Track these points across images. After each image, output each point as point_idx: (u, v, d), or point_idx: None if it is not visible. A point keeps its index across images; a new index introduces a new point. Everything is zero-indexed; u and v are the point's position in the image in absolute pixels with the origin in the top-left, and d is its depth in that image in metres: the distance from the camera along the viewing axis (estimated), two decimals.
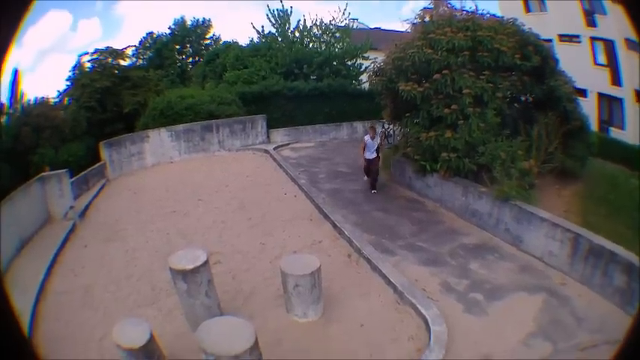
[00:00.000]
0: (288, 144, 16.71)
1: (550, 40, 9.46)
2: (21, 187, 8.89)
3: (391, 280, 6.39)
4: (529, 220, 7.14)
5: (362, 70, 19.85)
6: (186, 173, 13.38)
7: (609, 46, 18.34)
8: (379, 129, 15.54)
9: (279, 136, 17.06)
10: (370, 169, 10.65)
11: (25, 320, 5.81)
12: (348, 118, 18.27)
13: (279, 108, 17.44)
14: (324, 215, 9.08)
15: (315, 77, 19.23)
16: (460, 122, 8.51)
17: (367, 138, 10.44)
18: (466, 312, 5.80)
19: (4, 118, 17.52)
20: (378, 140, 10.54)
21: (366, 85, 17.19)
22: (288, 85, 17.77)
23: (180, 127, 14.99)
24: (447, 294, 6.19)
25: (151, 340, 4.52)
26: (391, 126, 13.23)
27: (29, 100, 18.64)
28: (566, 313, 5.67)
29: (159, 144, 14.62)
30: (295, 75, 19.19)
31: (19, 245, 8.12)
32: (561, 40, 19.57)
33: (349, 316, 5.81)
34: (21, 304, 6.03)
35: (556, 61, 9.75)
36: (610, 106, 19.16)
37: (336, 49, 20.01)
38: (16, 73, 19.23)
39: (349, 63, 20.31)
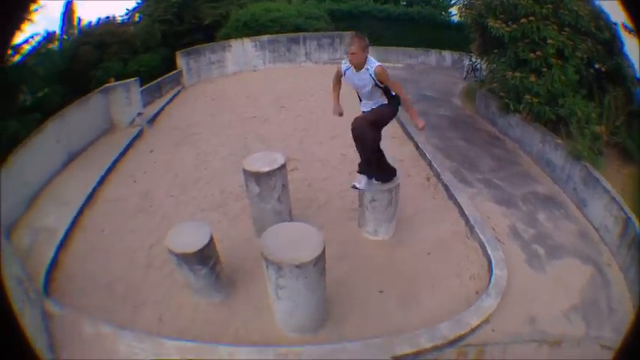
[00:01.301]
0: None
1: (616, 24, 8.87)
2: (75, 102, 7.81)
3: (465, 212, 5.89)
4: (594, 186, 6.38)
5: (452, 3, 18.69)
6: (269, 82, 12.41)
7: None
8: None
9: None
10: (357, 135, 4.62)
11: (57, 236, 5.17)
12: (435, 46, 16.95)
13: (368, 27, 16.19)
14: (408, 135, 8.46)
15: (405, 3, 18.26)
16: (544, 70, 7.89)
17: (344, 66, 4.53)
18: (527, 263, 5.28)
19: (54, 45, 15.37)
20: (370, 74, 4.29)
21: (454, 18, 16.26)
22: (378, 7, 16.78)
23: (265, 37, 13.99)
24: (513, 239, 5.66)
25: (209, 244, 4.00)
26: (478, 60, 12.25)
27: (89, 23, 17.06)
28: (604, 297, 5.03)
29: (242, 53, 13.74)
30: None
31: (66, 159, 7.17)
32: (624, 29, 17.77)
33: (418, 241, 5.40)
34: (56, 218, 5.54)
35: (622, 43, 8.78)
36: None
37: None
38: (68, 3, 17.40)
39: None
